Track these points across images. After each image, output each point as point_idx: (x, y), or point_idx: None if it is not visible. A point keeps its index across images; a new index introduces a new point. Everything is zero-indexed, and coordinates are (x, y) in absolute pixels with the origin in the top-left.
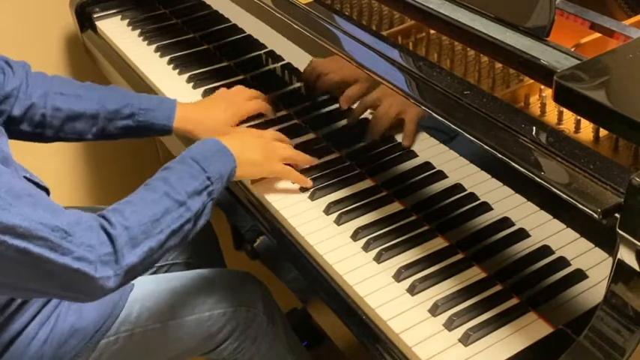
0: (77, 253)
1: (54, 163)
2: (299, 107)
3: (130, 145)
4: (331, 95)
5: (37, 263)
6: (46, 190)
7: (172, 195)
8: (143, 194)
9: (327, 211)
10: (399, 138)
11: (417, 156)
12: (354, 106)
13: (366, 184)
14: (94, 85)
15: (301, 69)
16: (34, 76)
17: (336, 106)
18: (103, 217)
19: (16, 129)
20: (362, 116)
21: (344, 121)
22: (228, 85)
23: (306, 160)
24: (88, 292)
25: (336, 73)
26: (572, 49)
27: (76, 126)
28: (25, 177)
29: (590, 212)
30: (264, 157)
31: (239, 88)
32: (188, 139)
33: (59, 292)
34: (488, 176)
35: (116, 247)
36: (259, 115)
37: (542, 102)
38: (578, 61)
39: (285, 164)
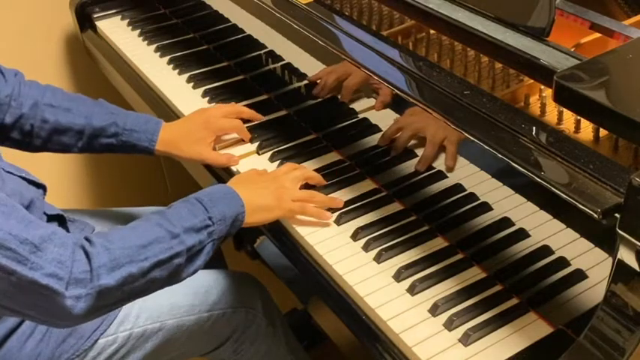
0: (47, 269)
1: (52, 164)
2: (299, 107)
3: None
4: (332, 96)
5: (2, 276)
6: (44, 188)
7: (166, 226)
8: (135, 223)
9: (327, 211)
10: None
11: (417, 156)
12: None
13: (366, 184)
14: (83, 98)
15: (301, 69)
16: (27, 84)
17: (336, 106)
18: (86, 238)
19: (5, 136)
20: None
21: (344, 121)
22: (229, 85)
23: (322, 199)
24: (57, 312)
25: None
26: (572, 49)
27: (62, 139)
28: (21, 177)
29: (590, 212)
30: (276, 200)
31: (218, 106)
32: None
33: (27, 311)
34: (488, 176)
35: (92, 265)
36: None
37: (542, 102)
38: (578, 61)
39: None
